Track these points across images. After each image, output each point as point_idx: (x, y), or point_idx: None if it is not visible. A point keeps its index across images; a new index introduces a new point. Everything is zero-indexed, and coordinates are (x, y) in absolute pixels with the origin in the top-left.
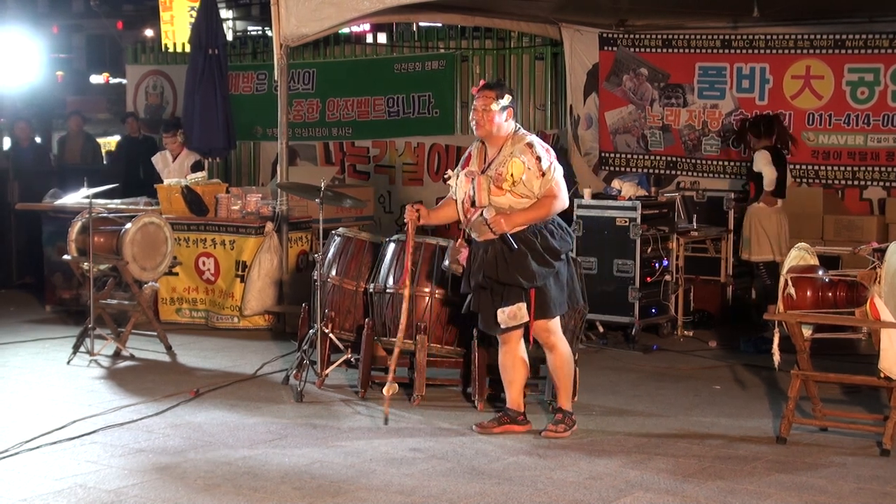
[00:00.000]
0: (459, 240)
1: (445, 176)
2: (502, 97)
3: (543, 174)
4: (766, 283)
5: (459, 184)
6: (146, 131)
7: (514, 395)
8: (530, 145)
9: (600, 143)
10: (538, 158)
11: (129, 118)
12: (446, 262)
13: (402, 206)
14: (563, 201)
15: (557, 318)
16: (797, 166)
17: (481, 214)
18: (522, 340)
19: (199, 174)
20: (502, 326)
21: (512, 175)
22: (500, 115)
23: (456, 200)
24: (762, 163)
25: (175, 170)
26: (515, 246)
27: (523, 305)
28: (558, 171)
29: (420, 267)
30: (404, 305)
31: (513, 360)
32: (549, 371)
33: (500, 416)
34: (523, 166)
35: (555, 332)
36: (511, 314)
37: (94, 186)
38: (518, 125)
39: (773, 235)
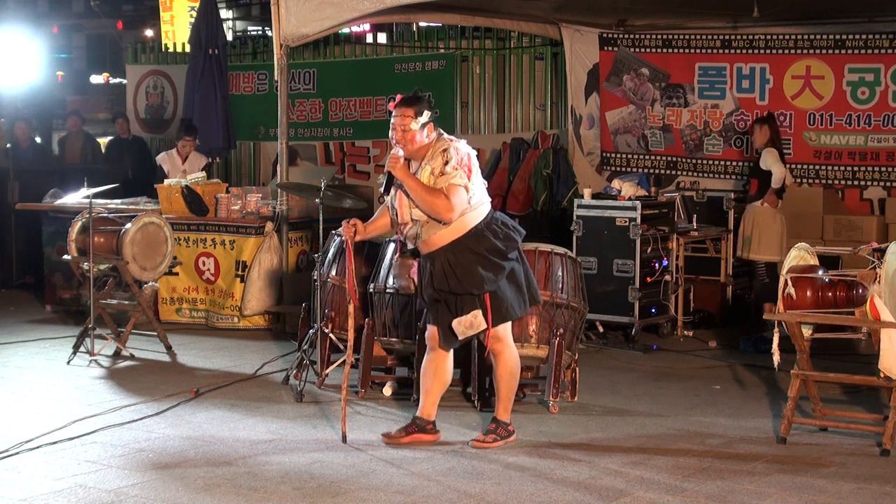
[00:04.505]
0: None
1: (379, 181)
2: (421, 114)
3: (443, 174)
4: (764, 283)
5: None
6: (145, 131)
7: (426, 404)
8: (444, 151)
9: (601, 143)
10: (446, 162)
11: (118, 119)
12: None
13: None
14: (447, 203)
15: (508, 325)
16: (797, 166)
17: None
18: (451, 353)
19: (200, 174)
20: (460, 338)
21: None
22: (421, 133)
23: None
24: (770, 160)
25: (185, 171)
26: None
27: (478, 313)
28: (461, 178)
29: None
30: (350, 309)
31: (435, 368)
32: (494, 378)
33: (408, 426)
34: (429, 171)
35: (502, 339)
36: (467, 323)
37: (94, 186)
38: (441, 132)
39: (776, 235)
